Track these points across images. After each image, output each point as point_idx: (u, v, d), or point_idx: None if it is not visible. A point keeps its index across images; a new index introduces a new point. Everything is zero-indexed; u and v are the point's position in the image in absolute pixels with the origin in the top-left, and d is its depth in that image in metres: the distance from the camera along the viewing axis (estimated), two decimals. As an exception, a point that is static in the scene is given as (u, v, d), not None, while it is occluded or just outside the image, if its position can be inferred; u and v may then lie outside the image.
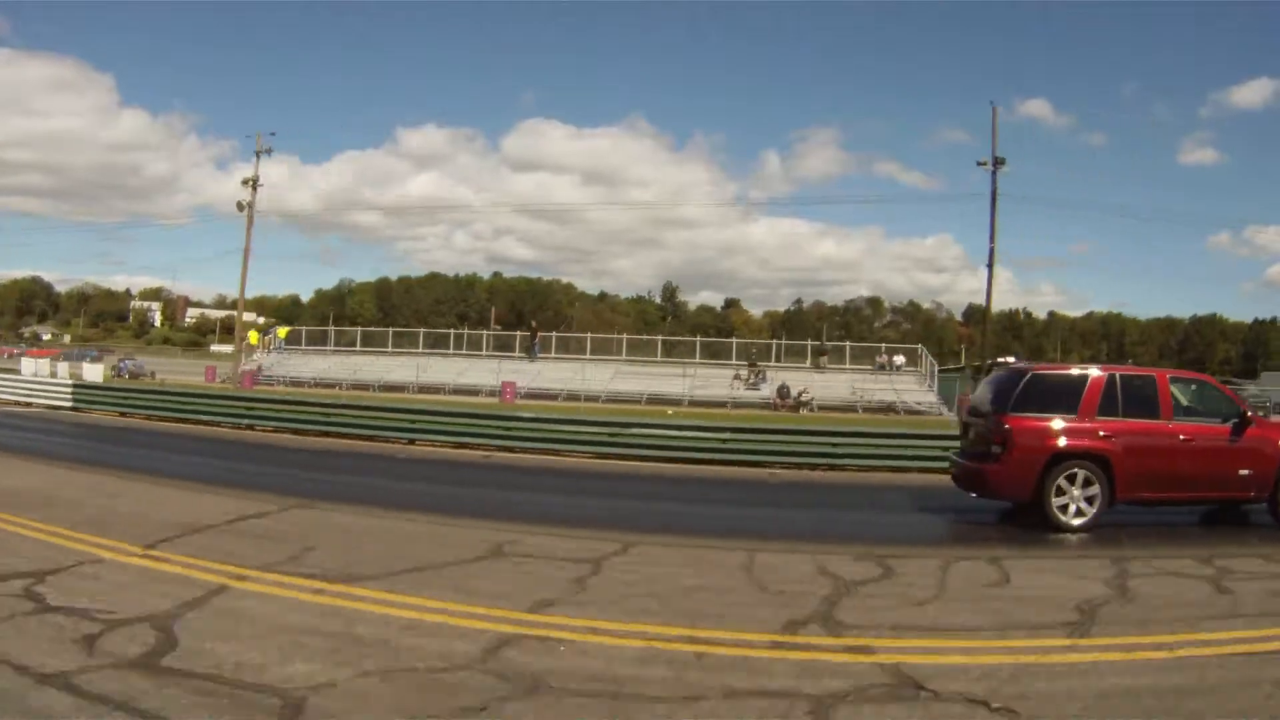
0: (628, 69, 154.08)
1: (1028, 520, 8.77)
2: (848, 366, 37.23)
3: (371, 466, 13.79)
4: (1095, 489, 8.48)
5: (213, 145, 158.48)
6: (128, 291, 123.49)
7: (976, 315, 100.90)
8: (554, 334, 43.10)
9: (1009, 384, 9.17)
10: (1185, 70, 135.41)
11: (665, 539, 7.97)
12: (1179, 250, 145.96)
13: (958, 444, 10.46)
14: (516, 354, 39.15)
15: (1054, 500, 8.50)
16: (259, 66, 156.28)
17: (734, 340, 43.87)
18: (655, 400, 31.39)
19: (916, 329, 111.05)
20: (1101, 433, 8.62)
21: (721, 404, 31.52)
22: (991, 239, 30.44)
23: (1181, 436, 8.75)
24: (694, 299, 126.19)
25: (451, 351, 40.01)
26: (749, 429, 16.22)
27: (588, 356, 38.07)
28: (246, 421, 18.37)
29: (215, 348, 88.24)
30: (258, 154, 36.93)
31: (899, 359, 37.75)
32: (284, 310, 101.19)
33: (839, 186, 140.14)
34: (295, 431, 17.49)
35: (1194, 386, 9.70)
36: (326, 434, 17.12)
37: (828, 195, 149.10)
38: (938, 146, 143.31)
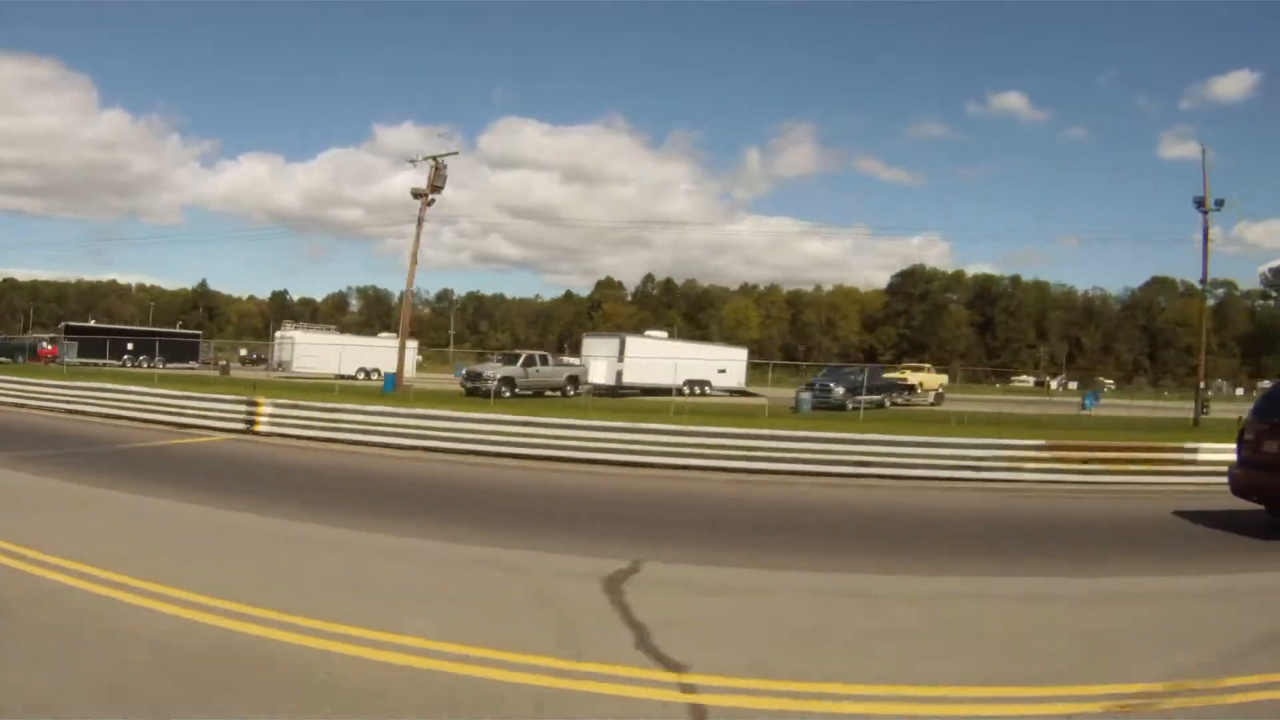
0: (602, 66, 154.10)
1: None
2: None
3: None
4: None
5: (195, 145, 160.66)
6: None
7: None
8: None
9: None
10: (1164, 63, 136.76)
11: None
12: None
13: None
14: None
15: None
16: (238, 65, 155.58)
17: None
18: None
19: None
20: None
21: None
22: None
23: None
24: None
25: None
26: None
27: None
28: None
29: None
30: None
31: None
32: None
33: (819, 183, 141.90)
34: None
35: None
36: None
37: (809, 192, 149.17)
38: (919, 141, 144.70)
